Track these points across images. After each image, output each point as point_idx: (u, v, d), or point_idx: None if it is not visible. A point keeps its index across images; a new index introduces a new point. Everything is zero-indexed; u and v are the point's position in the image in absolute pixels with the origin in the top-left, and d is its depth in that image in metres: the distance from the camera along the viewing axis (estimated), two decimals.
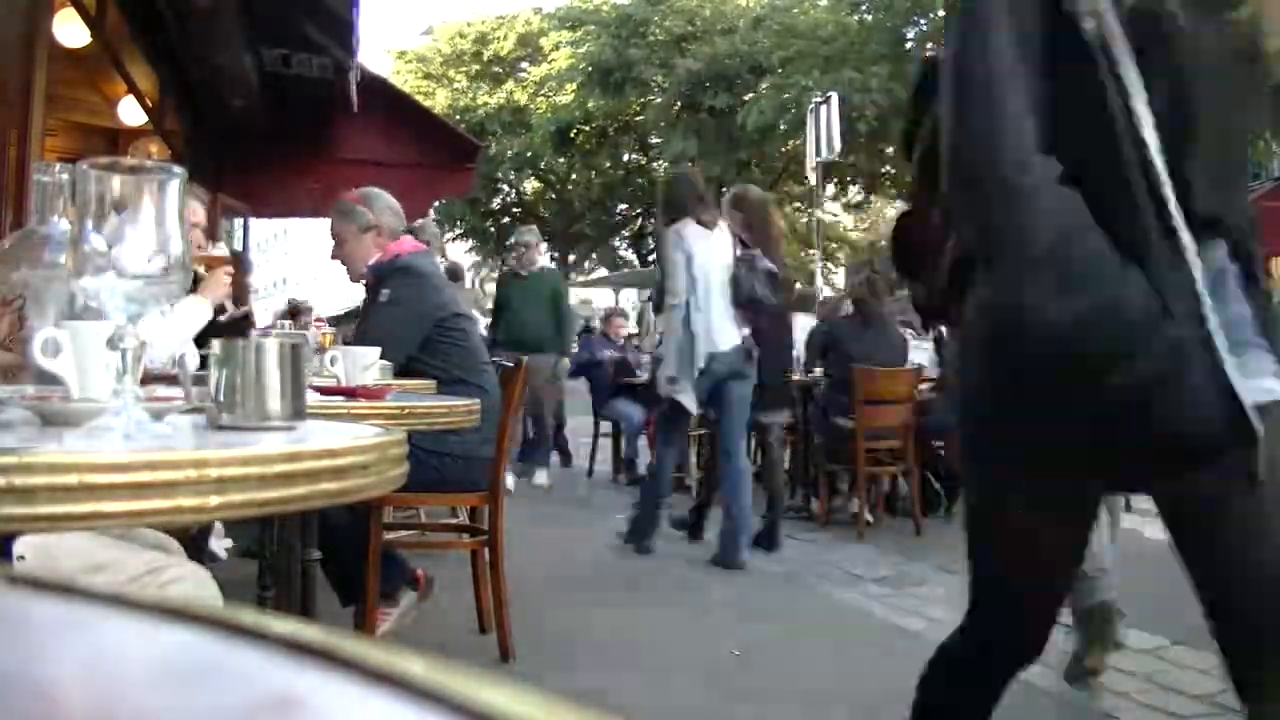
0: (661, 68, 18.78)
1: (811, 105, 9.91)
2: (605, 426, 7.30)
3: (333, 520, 2.56)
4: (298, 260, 40.36)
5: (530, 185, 27.30)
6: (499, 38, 26.16)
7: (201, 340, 2.42)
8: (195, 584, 1.49)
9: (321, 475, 0.82)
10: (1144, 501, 6.09)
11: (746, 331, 4.18)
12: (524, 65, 25.89)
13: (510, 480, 5.59)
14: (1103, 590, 2.61)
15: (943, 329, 4.35)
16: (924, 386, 5.30)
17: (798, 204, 22.27)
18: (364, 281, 3.10)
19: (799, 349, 5.67)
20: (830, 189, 18.26)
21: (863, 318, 5.17)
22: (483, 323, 6.19)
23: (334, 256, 3.13)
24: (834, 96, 9.67)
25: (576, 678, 2.73)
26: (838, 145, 9.54)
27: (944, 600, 3.67)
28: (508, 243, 7.53)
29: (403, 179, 6.99)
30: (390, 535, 2.98)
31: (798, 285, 7.45)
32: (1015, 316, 1.29)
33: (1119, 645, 2.68)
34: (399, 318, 2.88)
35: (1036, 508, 1.40)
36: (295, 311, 7.59)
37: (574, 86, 21.58)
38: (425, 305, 2.92)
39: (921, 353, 5.70)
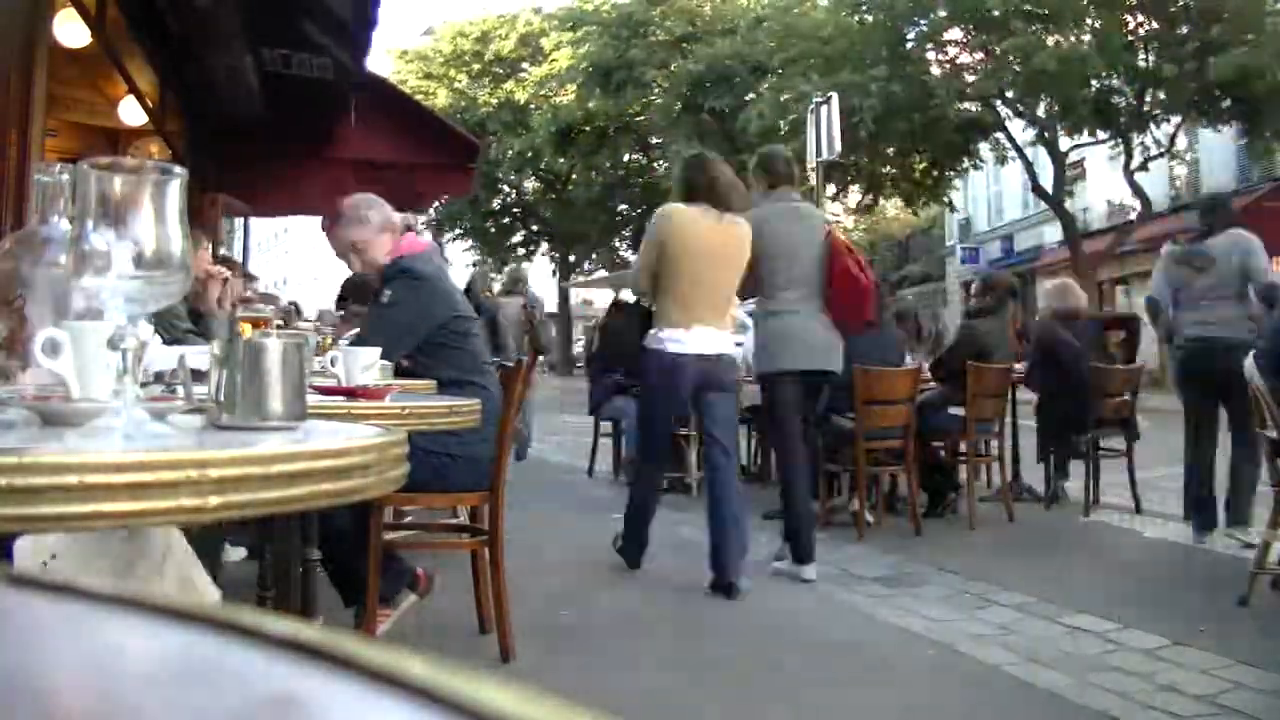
0: (661, 68, 18.75)
1: (811, 106, 9.91)
2: (605, 426, 7.29)
3: (334, 520, 2.57)
4: (297, 260, 40.34)
5: (530, 185, 27.29)
6: (500, 37, 26.19)
7: None
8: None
9: (321, 475, 0.82)
10: (1148, 502, 6.05)
11: None
12: (524, 65, 25.92)
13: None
14: None
15: None
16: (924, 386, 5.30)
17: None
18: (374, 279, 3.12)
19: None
20: (831, 188, 18.24)
21: None
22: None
23: (352, 263, 3.12)
24: (834, 97, 9.66)
25: (577, 677, 2.73)
26: (838, 145, 9.53)
27: (944, 600, 3.67)
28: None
29: (403, 179, 6.99)
30: (390, 535, 2.98)
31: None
32: None
33: None
34: (395, 319, 2.91)
35: None
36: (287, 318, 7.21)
37: (574, 87, 21.57)
38: (423, 308, 2.95)
39: None
